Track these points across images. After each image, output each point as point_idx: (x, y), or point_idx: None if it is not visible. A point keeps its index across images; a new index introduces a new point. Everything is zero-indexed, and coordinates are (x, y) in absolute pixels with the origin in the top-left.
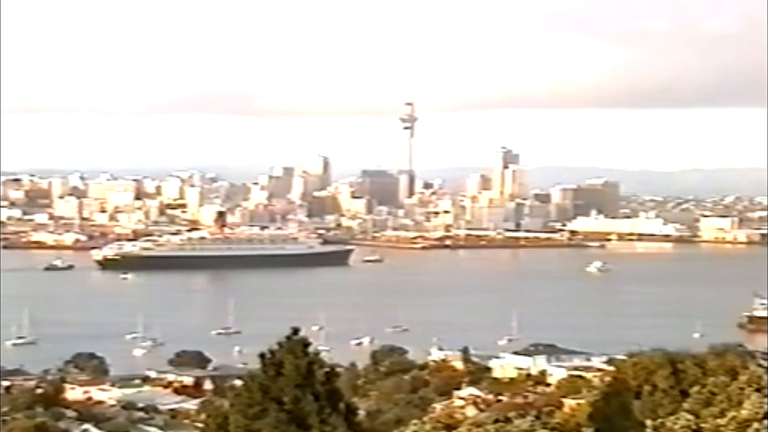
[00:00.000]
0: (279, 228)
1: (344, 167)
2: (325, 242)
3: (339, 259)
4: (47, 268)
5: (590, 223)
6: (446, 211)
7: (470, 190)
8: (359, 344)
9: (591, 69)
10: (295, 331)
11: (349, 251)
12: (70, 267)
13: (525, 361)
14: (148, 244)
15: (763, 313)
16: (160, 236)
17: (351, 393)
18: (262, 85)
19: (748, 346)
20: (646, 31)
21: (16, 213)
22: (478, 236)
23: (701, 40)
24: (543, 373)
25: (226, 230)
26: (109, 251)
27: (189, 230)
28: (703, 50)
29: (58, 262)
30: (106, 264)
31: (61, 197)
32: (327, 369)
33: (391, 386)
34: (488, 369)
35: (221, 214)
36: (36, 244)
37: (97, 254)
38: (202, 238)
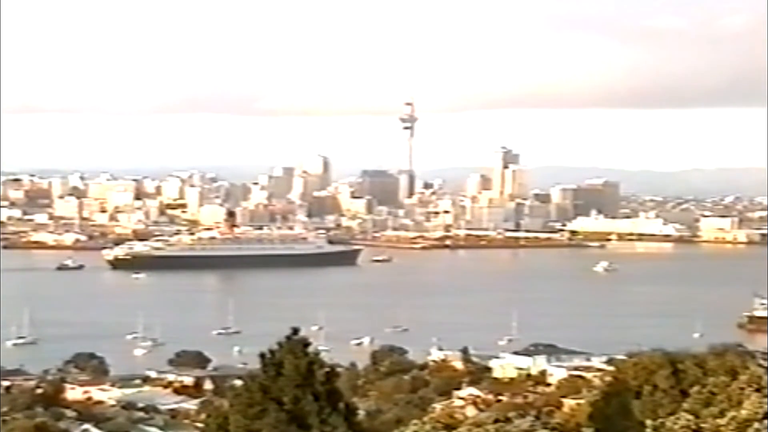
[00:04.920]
0: (279, 228)
1: (344, 167)
2: (329, 242)
3: (348, 259)
4: (59, 268)
5: (590, 223)
6: (446, 211)
7: (470, 190)
8: (359, 344)
9: (591, 69)
10: (295, 331)
11: (358, 251)
12: (81, 267)
13: (525, 361)
14: (159, 244)
15: (763, 313)
16: (170, 236)
17: (351, 393)
18: (262, 86)
19: (748, 346)
20: (648, 30)
21: (16, 213)
22: (478, 236)
23: (704, 40)
24: (543, 373)
25: (236, 230)
26: (120, 251)
27: (189, 230)
28: (706, 50)
29: (69, 262)
30: (117, 264)
31: (61, 197)
32: (327, 369)
33: (391, 386)
34: (488, 369)
35: (231, 214)
36: (36, 244)
37: (108, 254)
38: (213, 238)
